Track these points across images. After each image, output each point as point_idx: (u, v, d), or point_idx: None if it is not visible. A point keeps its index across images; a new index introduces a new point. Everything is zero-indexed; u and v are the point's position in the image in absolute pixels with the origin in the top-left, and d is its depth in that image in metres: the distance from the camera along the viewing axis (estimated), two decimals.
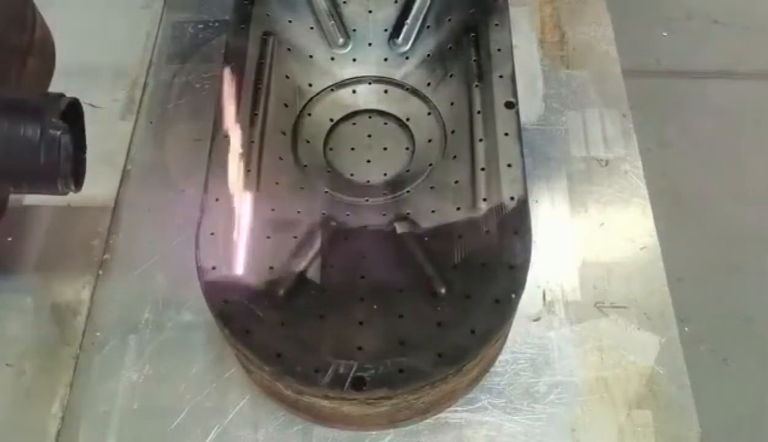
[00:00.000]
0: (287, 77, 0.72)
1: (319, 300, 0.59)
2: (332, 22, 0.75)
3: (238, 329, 0.55)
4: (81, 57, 0.82)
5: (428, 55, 0.73)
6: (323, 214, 0.64)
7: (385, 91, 0.73)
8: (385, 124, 0.72)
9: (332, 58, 0.74)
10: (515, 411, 0.61)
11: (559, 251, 0.69)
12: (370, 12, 0.76)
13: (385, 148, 0.71)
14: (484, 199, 0.62)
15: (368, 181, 0.68)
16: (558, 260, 0.69)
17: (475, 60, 0.70)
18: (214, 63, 0.81)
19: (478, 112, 0.67)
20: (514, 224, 0.60)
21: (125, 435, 0.61)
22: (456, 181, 0.65)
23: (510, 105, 0.66)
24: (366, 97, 0.73)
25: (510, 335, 0.63)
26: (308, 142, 0.70)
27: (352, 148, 0.71)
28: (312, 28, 0.75)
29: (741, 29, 1.26)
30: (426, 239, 0.62)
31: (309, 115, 0.72)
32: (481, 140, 0.65)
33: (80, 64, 0.81)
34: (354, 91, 0.73)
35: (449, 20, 0.74)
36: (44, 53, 0.78)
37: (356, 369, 0.53)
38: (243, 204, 0.62)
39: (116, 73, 0.82)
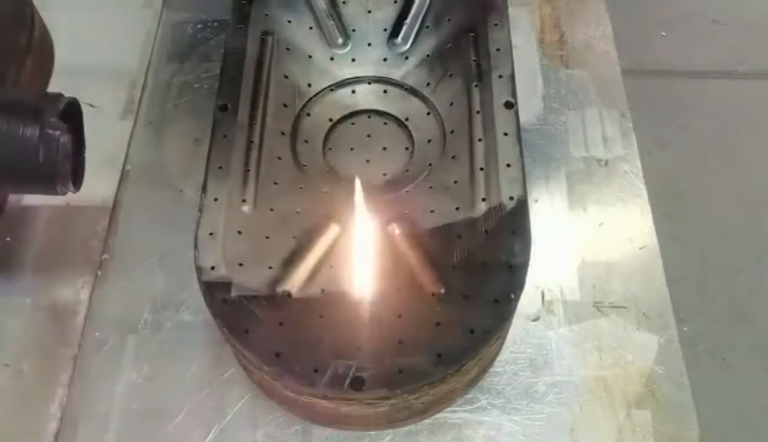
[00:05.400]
0: (286, 77, 0.72)
1: (319, 300, 0.59)
2: (331, 21, 0.75)
3: (237, 329, 0.55)
4: (80, 57, 0.82)
5: (427, 55, 0.73)
6: (322, 214, 0.64)
7: (385, 91, 0.73)
8: (385, 124, 0.72)
9: (331, 58, 0.74)
10: (514, 411, 0.61)
11: (558, 251, 0.69)
12: (369, 12, 0.76)
13: (384, 148, 0.71)
14: (483, 199, 0.62)
15: (367, 182, 0.68)
16: (557, 259, 0.69)
17: (474, 60, 0.70)
18: (213, 63, 0.81)
19: (478, 112, 0.67)
20: (513, 223, 0.60)
21: (124, 435, 0.61)
22: (455, 181, 0.65)
23: (509, 105, 0.66)
24: (365, 97, 0.73)
25: (509, 335, 0.63)
26: (307, 142, 0.70)
27: (352, 148, 0.71)
28: (311, 27, 0.75)
29: (740, 29, 1.26)
30: (425, 238, 0.62)
31: (308, 115, 0.72)
32: (480, 140, 0.65)
33: (79, 64, 0.81)
34: (353, 91, 0.73)
35: (448, 20, 0.74)
36: (43, 53, 0.78)
37: (355, 369, 0.53)
38: (242, 204, 0.62)
39: (115, 73, 0.82)
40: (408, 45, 0.74)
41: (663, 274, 0.68)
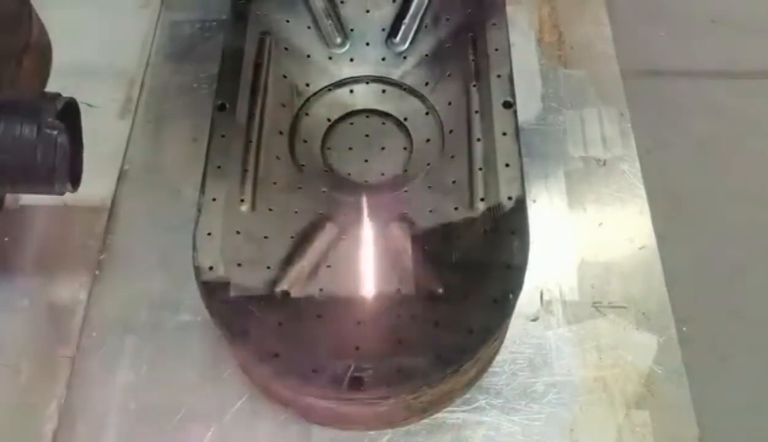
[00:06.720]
0: (285, 77, 0.72)
1: (317, 300, 0.59)
2: (330, 21, 0.74)
3: (235, 329, 0.55)
4: (78, 56, 0.81)
5: (426, 55, 0.73)
6: (321, 214, 0.64)
7: (383, 91, 0.73)
8: (383, 123, 0.72)
9: (330, 58, 0.74)
10: (513, 411, 0.61)
11: (557, 251, 0.69)
12: (367, 11, 0.75)
13: (383, 148, 0.71)
14: (482, 199, 0.62)
15: (366, 181, 0.68)
16: (556, 259, 0.68)
17: (473, 60, 0.70)
18: (211, 63, 0.80)
19: (476, 112, 0.67)
20: (512, 223, 0.60)
21: (122, 436, 0.60)
22: (454, 181, 0.65)
23: (508, 105, 0.66)
24: (364, 96, 0.73)
25: (508, 335, 0.63)
26: (306, 141, 0.70)
27: (350, 148, 0.71)
28: (309, 27, 0.74)
29: (739, 29, 1.26)
30: (423, 238, 0.62)
31: (306, 114, 0.71)
32: (479, 140, 0.65)
33: (77, 64, 0.81)
34: (351, 91, 0.73)
35: (447, 20, 0.74)
36: (41, 53, 0.78)
37: (354, 369, 0.52)
38: (240, 204, 0.62)
39: (114, 73, 0.82)
40: (406, 45, 0.74)
41: (662, 274, 0.68)
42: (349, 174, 0.69)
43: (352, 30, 0.75)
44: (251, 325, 0.55)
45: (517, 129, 0.65)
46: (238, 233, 0.60)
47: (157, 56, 0.83)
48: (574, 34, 0.85)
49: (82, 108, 0.60)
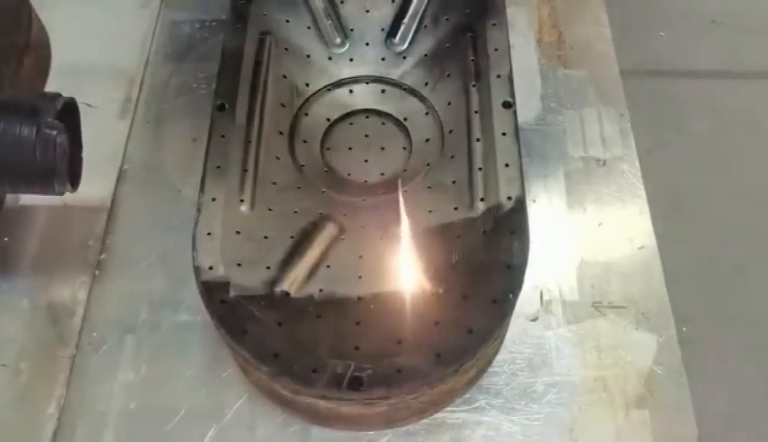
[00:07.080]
0: (284, 77, 0.72)
1: (317, 300, 0.59)
2: (329, 21, 0.74)
3: (234, 329, 0.55)
4: (77, 56, 0.81)
5: (425, 55, 0.73)
6: (320, 213, 0.64)
7: (383, 91, 0.73)
8: (383, 123, 0.72)
9: (329, 58, 0.74)
10: (513, 411, 0.61)
11: (557, 251, 0.69)
12: (367, 11, 0.76)
13: (382, 148, 0.71)
14: (482, 199, 0.62)
15: (365, 181, 0.68)
16: (556, 259, 0.68)
17: (472, 60, 0.70)
18: (211, 62, 0.81)
19: (476, 112, 0.67)
20: (512, 223, 0.60)
21: (122, 436, 0.60)
22: (453, 181, 0.65)
23: (507, 105, 0.66)
24: (363, 96, 0.73)
25: (507, 335, 0.63)
26: (305, 141, 0.70)
27: (350, 148, 0.71)
28: (309, 27, 0.74)
29: (739, 29, 1.26)
30: (423, 238, 0.62)
31: (306, 114, 0.71)
32: (478, 140, 0.65)
33: (77, 64, 0.81)
34: (351, 91, 0.73)
35: (446, 20, 0.74)
36: (40, 52, 0.78)
37: (354, 369, 0.52)
38: (240, 204, 0.62)
39: (113, 73, 0.82)
40: (406, 45, 0.74)
41: (662, 274, 0.68)
42: (349, 174, 0.69)
43: (351, 30, 0.75)
44: (251, 325, 0.55)
45: (516, 129, 0.65)
46: (237, 232, 0.60)
47: (156, 56, 0.83)
48: (574, 34, 0.85)
49: (82, 108, 0.60)
